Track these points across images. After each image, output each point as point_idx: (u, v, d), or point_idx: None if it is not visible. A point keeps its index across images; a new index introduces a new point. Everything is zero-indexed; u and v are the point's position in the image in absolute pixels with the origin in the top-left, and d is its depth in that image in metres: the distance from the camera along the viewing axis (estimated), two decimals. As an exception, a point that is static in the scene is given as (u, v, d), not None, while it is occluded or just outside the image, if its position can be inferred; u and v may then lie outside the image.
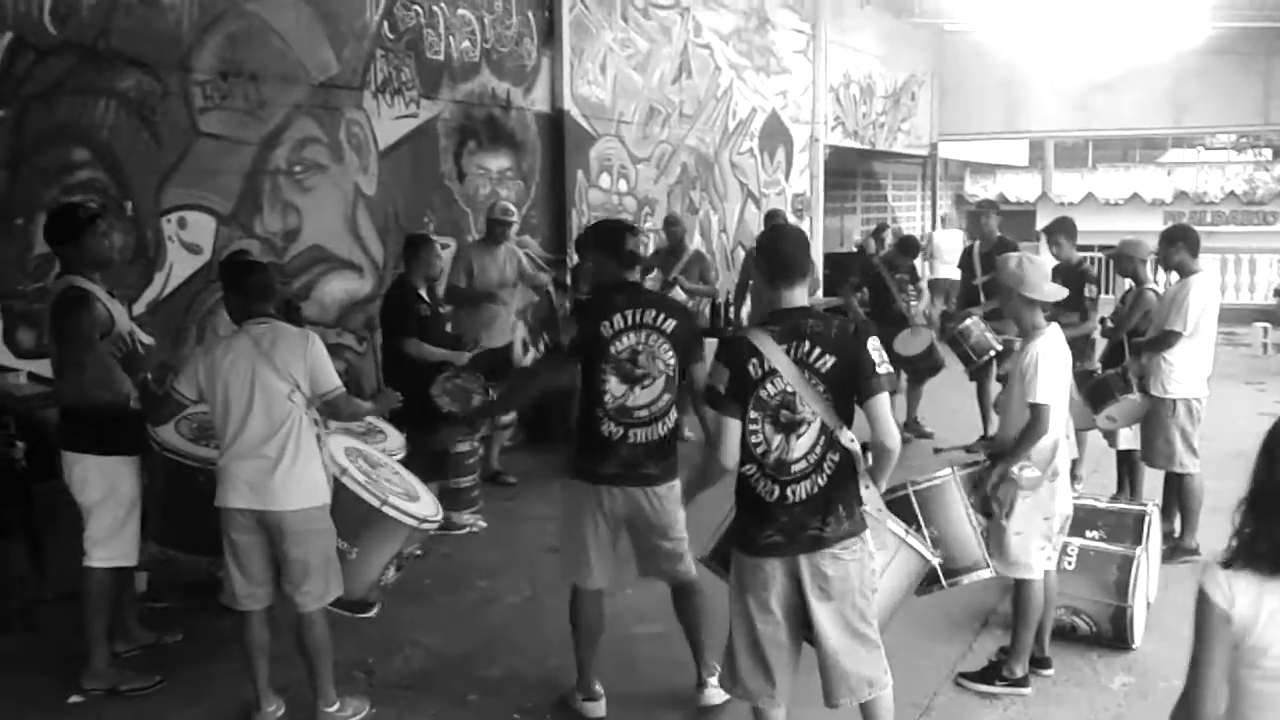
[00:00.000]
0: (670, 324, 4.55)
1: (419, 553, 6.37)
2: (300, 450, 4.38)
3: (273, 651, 4.61)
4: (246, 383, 4.35)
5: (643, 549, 4.74)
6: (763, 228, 10.26)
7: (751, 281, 9.95)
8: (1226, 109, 17.30)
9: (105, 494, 4.84)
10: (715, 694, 4.72)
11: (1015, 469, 4.71)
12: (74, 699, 4.90)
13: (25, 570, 5.79)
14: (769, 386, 3.66)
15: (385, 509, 4.61)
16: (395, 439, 5.66)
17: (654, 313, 4.56)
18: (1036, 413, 4.68)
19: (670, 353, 4.53)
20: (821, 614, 3.74)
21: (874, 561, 3.91)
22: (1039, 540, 4.79)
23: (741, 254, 12.73)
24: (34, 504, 5.71)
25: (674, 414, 4.60)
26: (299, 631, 4.51)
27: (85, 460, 4.84)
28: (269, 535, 4.40)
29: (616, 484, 4.55)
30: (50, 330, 4.86)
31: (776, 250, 3.84)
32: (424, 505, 4.90)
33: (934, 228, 17.11)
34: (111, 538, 4.87)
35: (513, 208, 8.49)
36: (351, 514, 4.56)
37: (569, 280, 9.57)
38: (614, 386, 4.50)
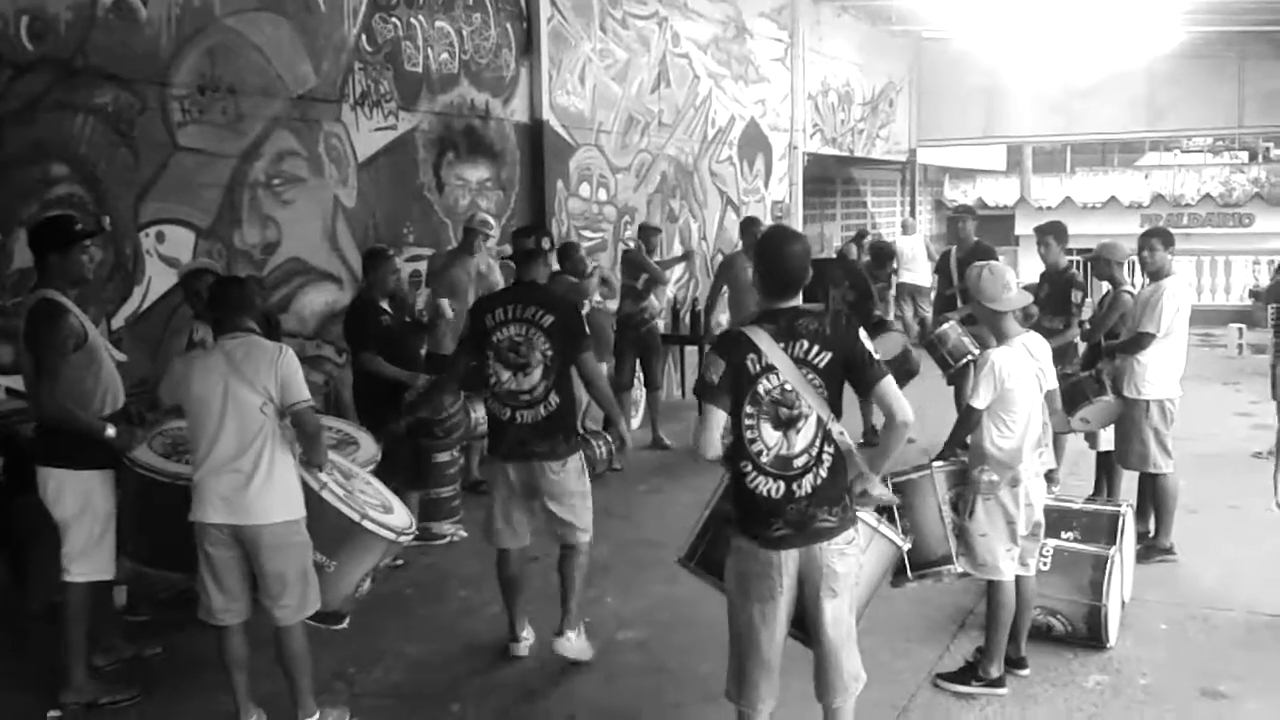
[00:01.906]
0: (548, 320, 5.13)
1: (400, 563, 6.40)
2: (275, 464, 4.38)
3: (252, 664, 4.62)
4: (219, 397, 4.35)
5: (543, 512, 5.29)
6: (740, 235, 10.29)
7: (727, 289, 9.94)
8: (1202, 112, 17.46)
9: (80, 508, 4.85)
10: (566, 645, 5.25)
11: (974, 471, 4.80)
12: (53, 714, 4.90)
13: (5, 584, 5.79)
14: (765, 382, 3.72)
15: (365, 523, 4.60)
16: (369, 448, 5.68)
17: (534, 309, 5.14)
18: (965, 413, 4.87)
19: (547, 344, 5.10)
20: (828, 612, 3.81)
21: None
22: (1005, 543, 4.85)
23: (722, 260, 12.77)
24: (14, 518, 5.71)
25: (555, 399, 5.14)
26: (277, 644, 4.51)
27: (60, 475, 4.84)
28: (244, 549, 4.40)
29: (510, 460, 5.20)
30: (24, 341, 4.84)
31: (781, 262, 3.86)
32: (399, 517, 4.92)
33: (901, 233, 17.19)
34: (88, 552, 4.88)
35: (491, 220, 8.52)
36: (331, 527, 4.55)
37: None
38: (500, 372, 5.12)
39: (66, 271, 4.92)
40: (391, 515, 4.86)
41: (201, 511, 4.40)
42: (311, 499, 4.51)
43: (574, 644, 5.26)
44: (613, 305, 9.31)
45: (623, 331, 9.52)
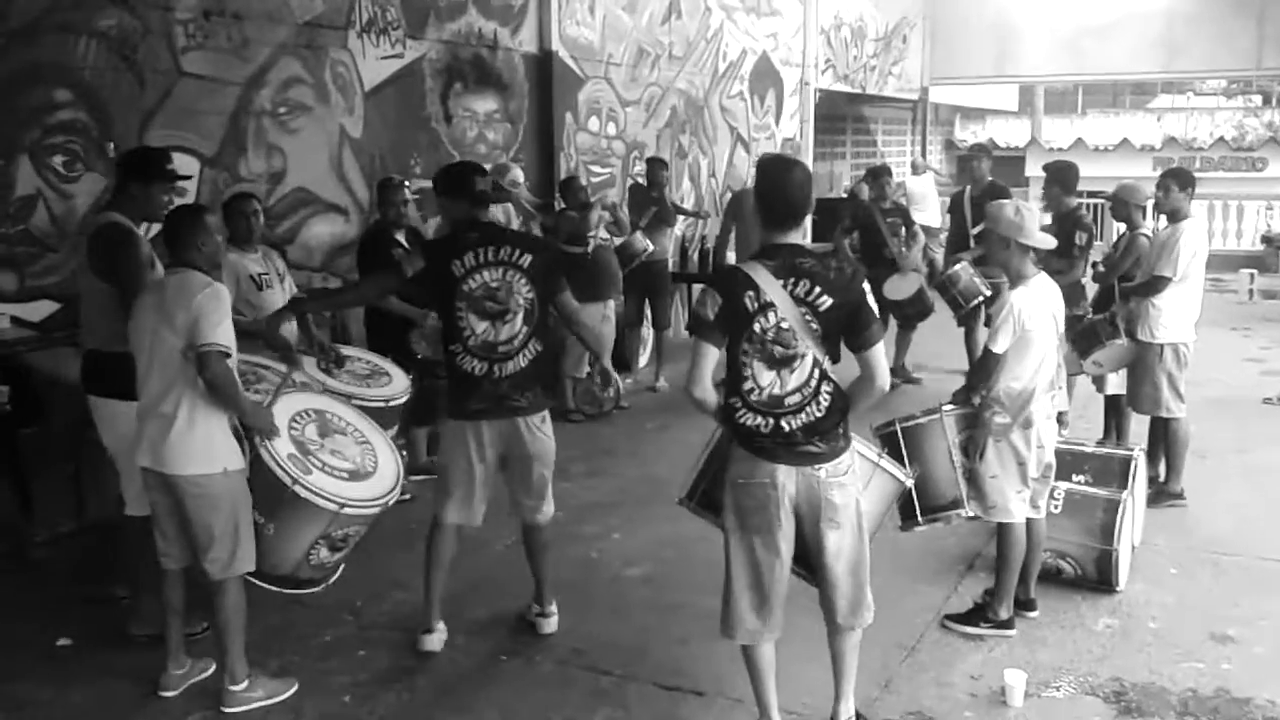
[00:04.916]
0: (527, 259, 4.65)
1: (408, 497, 6.35)
2: (196, 412, 4.15)
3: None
4: (146, 335, 4.18)
5: (515, 482, 4.85)
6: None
7: (735, 227, 9.87)
8: (1219, 53, 17.13)
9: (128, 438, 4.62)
10: (553, 620, 5.03)
11: (986, 413, 4.75)
12: (62, 642, 4.91)
13: (12, 514, 5.78)
14: (763, 320, 3.64)
15: (296, 488, 4.23)
16: (400, 382, 5.62)
17: (509, 249, 4.65)
18: (984, 358, 4.80)
19: (528, 286, 4.64)
20: (831, 543, 3.79)
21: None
22: (1015, 485, 4.81)
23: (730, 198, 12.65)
24: (19, 448, 5.69)
25: (536, 346, 4.71)
26: (210, 601, 4.32)
27: (114, 405, 4.69)
28: (174, 497, 4.24)
29: (487, 418, 4.66)
30: (96, 265, 4.70)
31: (782, 189, 3.74)
32: (367, 487, 4.52)
33: (911, 173, 16.98)
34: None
35: (520, 176, 8.36)
36: (266, 486, 4.28)
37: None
38: (474, 324, 4.61)
39: (143, 204, 4.84)
40: (356, 483, 4.49)
41: (137, 454, 4.27)
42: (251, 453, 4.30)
43: (556, 616, 5.07)
44: (618, 241, 9.20)
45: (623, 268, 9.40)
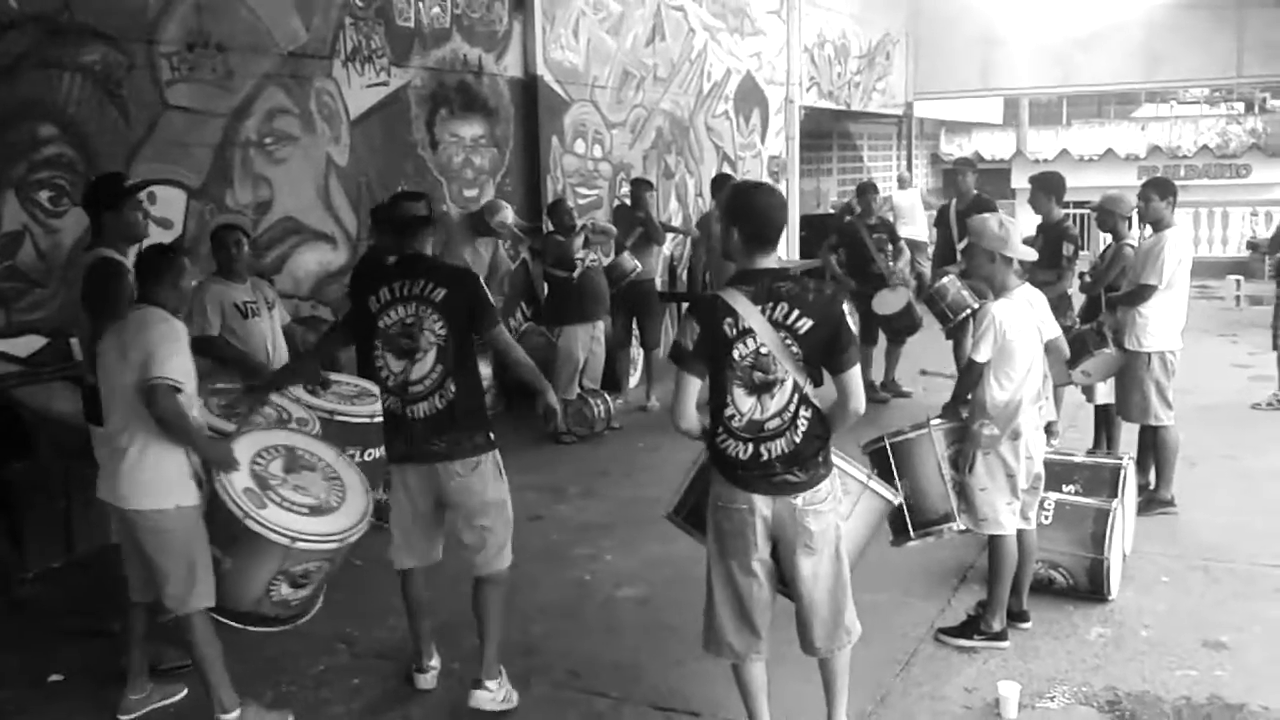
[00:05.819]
0: (440, 294, 4.37)
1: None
2: (148, 447, 4.13)
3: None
4: (110, 372, 4.19)
5: (452, 528, 4.61)
6: (712, 194, 10.27)
7: (708, 252, 9.92)
8: (1200, 62, 17.21)
9: None
10: (485, 697, 4.54)
11: (974, 426, 4.78)
12: (54, 678, 4.89)
13: (2, 549, 5.77)
14: (742, 346, 3.64)
15: (247, 522, 4.17)
16: None
17: (424, 283, 4.39)
18: (967, 368, 4.85)
19: (440, 322, 4.35)
20: (805, 568, 3.79)
21: (841, 506, 3.99)
22: (1005, 496, 4.83)
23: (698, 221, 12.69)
24: (9, 484, 5.68)
25: (452, 386, 4.36)
26: (181, 636, 4.31)
27: None
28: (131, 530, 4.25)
29: (409, 462, 4.46)
30: (83, 301, 4.74)
31: (757, 212, 3.73)
32: (326, 522, 4.41)
33: (898, 187, 17.06)
34: None
35: (510, 218, 8.35)
36: (224, 521, 4.23)
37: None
38: (391, 363, 4.39)
39: (120, 229, 4.87)
40: (316, 518, 4.39)
41: (98, 487, 4.29)
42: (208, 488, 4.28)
43: (494, 695, 4.55)
44: (607, 261, 9.24)
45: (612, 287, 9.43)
